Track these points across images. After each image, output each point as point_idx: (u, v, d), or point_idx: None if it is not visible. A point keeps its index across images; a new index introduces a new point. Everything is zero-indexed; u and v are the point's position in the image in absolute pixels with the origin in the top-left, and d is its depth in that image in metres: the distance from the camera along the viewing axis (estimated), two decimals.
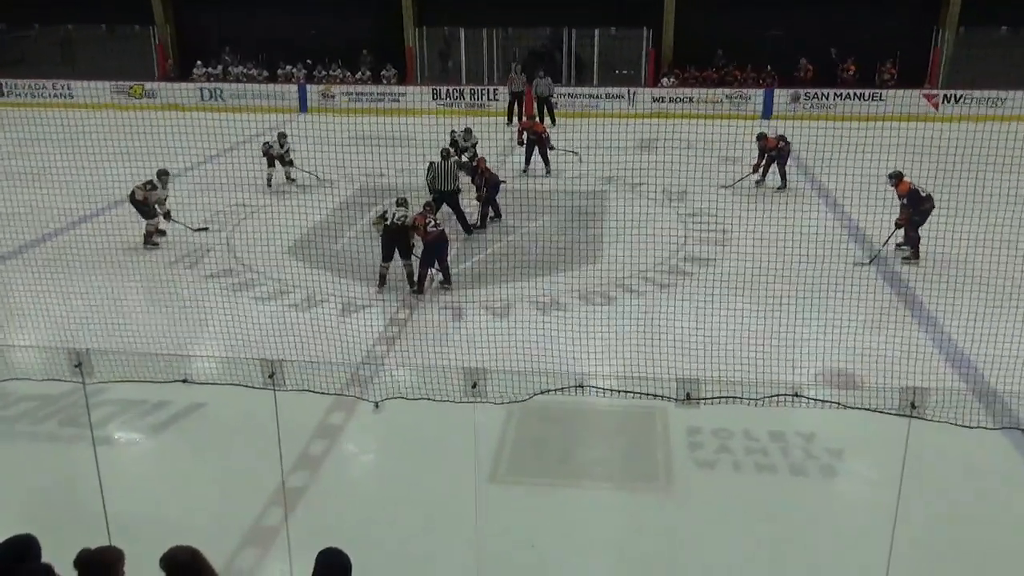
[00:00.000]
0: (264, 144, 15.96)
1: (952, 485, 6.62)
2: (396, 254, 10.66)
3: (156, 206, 12.41)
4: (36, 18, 27.61)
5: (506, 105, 23.28)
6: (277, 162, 15.93)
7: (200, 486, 6.85)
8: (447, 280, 10.88)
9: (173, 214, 12.61)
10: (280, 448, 5.45)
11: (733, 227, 12.77)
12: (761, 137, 15.72)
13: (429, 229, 10.48)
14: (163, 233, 12.75)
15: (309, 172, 15.61)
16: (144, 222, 12.41)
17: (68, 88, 25.25)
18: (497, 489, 6.72)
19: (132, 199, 12.32)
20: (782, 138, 15.54)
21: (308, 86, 25.49)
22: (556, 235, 12.73)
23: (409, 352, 9.02)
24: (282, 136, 15.98)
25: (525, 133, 17.05)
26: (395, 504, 6.58)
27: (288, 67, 26.69)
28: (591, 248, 12.15)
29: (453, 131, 15.86)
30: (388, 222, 10.60)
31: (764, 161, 15.73)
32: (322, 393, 6.56)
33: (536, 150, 16.67)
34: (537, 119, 20.21)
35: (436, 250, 10.64)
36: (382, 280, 10.79)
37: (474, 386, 5.59)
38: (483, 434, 7.12)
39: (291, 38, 26.17)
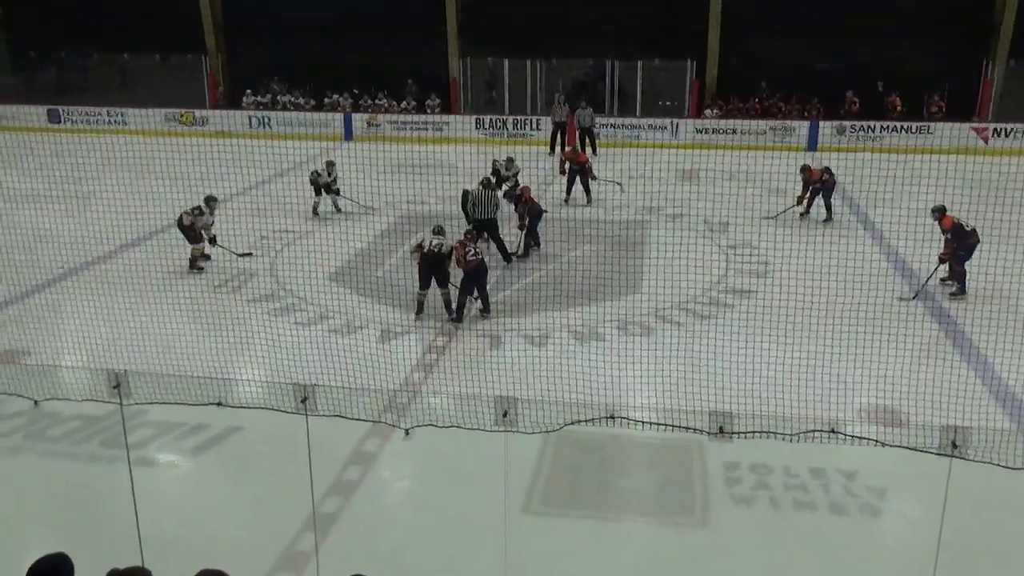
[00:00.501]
0: (312, 173, 16.17)
1: (995, 528, 6.42)
2: (433, 282, 10.70)
3: (202, 231, 12.64)
4: (95, 48, 28.51)
5: (548, 135, 23.42)
6: (323, 191, 16.12)
7: (234, 509, 6.89)
8: (486, 308, 10.89)
9: (219, 239, 12.83)
10: (311, 473, 5.46)
11: (775, 259, 12.61)
12: (805, 169, 15.57)
13: (469, 258, 10.52)
14: (208, 258, 12.97)
15: (355, 200, 15.76)
16: (190, 247, 12.64)
17: (122, 115, 25.94)
18: (530, 520, 6.66)
19: (180, 224, 12.57)
20: (827, 170, 15.39)
21: (354, 115, 25.87)
22: (596, 264, 12.68)
23: (445, 379, 9.02)
24: (330, 164, 16.20)
25: (567, 163, 17.10)
26: (427, 533, 6.56)
27: (334, 96, 27.14)
28: (631, 278, 12.08)
29: (495, 160, 15.92)
30: (425, 250, 10.66)
31: (808, 193, 15.58)
32: (353, 419, 6.57)
33: (578, 180, 16.68)
34: (579, 149, 20.28)
35: (475, 278, 10.67)
36: (419, 308, 10.83)
37: (504, 415, 5.56)
38: (517, 464, 7.09)
39: (338, 68, 26.61)
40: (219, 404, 7.21)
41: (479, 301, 10.91)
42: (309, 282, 11.52)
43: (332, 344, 9.74)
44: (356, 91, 27.08)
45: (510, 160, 15.91)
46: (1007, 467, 5.70)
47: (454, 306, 10.72)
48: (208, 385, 7.60)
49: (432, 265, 10.64)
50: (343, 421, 7.19)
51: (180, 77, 27.58)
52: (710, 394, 7.57)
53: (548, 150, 22.83)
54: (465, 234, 11.10)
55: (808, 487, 6.95)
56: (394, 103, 26.69)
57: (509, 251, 13.03)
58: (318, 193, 16.14)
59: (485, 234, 12.58)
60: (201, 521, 6.73)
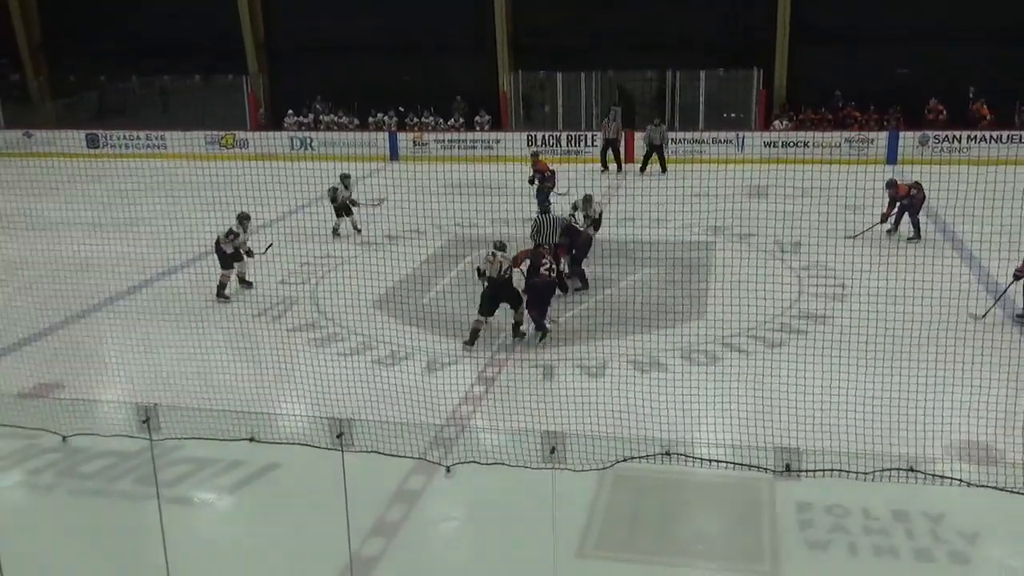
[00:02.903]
0: (330, 190, 16.46)
1: None
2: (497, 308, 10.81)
3: (242, 251, 12.92)
4: (135, 70, 29.47)
5: (599, 151, 23.50)
6: (344, 212, 16.52)
7: (270, 552, 6.94)
8: (541, 330, 10.91)
9: (255, 249, 13.12)
10: (347, 513, 5.48)
11: (852, 281, 12.37)
12: (891, 184, 15.32)
13: (543, 271, 10.78)
14: (250, 285, 13.20)
15: (374, 203, 15.91)
16: (220, 272, 12.87)
17: (162, 138, 26.72)
18: (584, 564, 6.58)
19: (217, 248, 12.85)
20: (916, 185, 15.10)
21: (399, 134, 26.24)
22: (658, 289, 12.59)
23: (494, 413, 9.00)
24: (345, 177, 16.58)
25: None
26: None
27: (379, 115, 27.56)
28: (696, 303, 11.96)
29: (576, 203, 14.36)
30: (493, 275, 10.62)
31: (896, 210, 15.32)
32: (391, 455, 6.59)
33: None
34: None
35: (544, 294, 10.89)
36: (474, 337, 10.74)
37: (552, 451, 5.51)
38: (571, 504, 7.02)
39: (383, 86, 27.05)
40: (251, 439, 7.31)
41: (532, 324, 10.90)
42: (352, 310, 11.64)
43: (375, 375, 9.81)
44: (402, 109, 27.48)
45: (588, 199, 14.22)
46: None
47: (532, 326, 10.87)
48: (242, 419, 7.70)
49: (500, 289, 10.63)
50: (387, 458, 7.22)
51: (221, 98, 28.31)
52: (778, 428, 7.42)
53: (600, 167, 22.89)
54: (539, 246, 11.45)
55: (890, 531, 6.75)
56: (441, 120, 27.01)
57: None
58: (338, 215, 16.52)
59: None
60: (235, 564, 6.79)
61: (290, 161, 22.33)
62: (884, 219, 15.39)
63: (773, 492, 7.26)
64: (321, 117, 27.96)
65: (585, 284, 12.95)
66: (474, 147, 25.42)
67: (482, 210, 14.75)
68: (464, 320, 10.94)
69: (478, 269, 10.94)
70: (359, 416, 7.89)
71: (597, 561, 6.69)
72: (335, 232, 16.53)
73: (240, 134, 26.93)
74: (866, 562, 6.49)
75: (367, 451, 6.56)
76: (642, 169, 22.71)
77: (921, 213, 15.36)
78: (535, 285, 10.80)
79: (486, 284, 10.72)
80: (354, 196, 16.71)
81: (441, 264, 14.23)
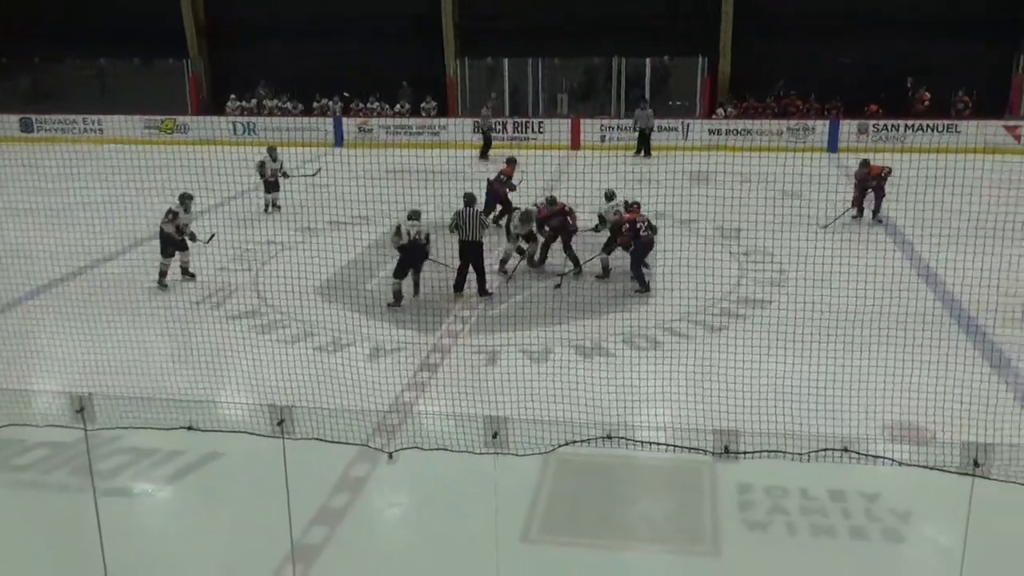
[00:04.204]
0: (259, 164, 16.60)
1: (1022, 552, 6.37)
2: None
3: (184, 234, 12.60)
4: (69, 51, 28.68)
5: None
6: (272, 187, 16.72)
7: (211, 542, 6.86)
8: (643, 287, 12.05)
9: (198, 236, 12.87)
10: (289, 501, 5.43)
11: (792, 266, 12.57)
12: (864, 164, 15.58)
13: (642, 233, 12.00)
14: (192, 277, 12.90)
15: (305, 175, 15.97)
16: (160, 260, 12.60)
17: (99, 123, 26.08)
18: (529, 548, 6.62)
19: (162, 233, 12.58)
20: (887, 172, 15.34)
21: (344, 119, 25.97)
22: (594, 275, 12.69)
23: (438, 399, 8.99)
24: (272, 149, 16.82)
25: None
26: (418, 564, 6.52)
27: (324, 100, 27.25)
28: (636, 288, 12.07)
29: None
30: (405, 241, 11.44)
31: (863, 192, 15.62)
32: (332, 442, 6.54)
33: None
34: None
35: (640, 254, 12.06)
36: (397, 297, 11.67)
37: (494, 436, 5.52)
38: (515, 489, 7.05)
39: (327, 71, 26.74)
40: (189, 428, 7.19)
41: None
42: (295, 297, 11.51)
43: (318, 363, 9.73)
44: (347, 94, 27.19)
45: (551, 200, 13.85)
46: None
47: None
48: (180, 408, 7.58)
49: (413, 254, 11.62)
50: (330, 445, 7.16)
51: (161, 82, 27.74)
52: (719, 412, 7.53)
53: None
54: (631, 205, 12.60)
55: (827, 511, 6.90)
56: (387, 106, 26.79)
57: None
58: (268, 190, 16.77)
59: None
60: (174, 555, 6.70)
61: (232, 146, 21.96)
62: (855, 204, 15.56)
63: (714, 474, 7.37)
64: (264, 102, 27.57)
65: (643, 286, 12.34)
66: (420, 133, 25.29)
67: (428, 196, 14.70)
68: (410, 306, 10.89)
69: (395, 232, 11.81)
70: (301, 403, 7.84)
71: (541, 545, 6.72)
72: (266, 209, 16.75)
73: (180, 119, 26.44)
74: (804, 541, 6.62)
75: (309, 438, 6.50)
76: (636, 153, 22.86)
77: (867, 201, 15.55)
78: (637, 246, 12.05)
79: (400, 249, 11.65)
80: (285, 168, 16.81)
81: (386, 250, 14.12)
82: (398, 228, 11.71)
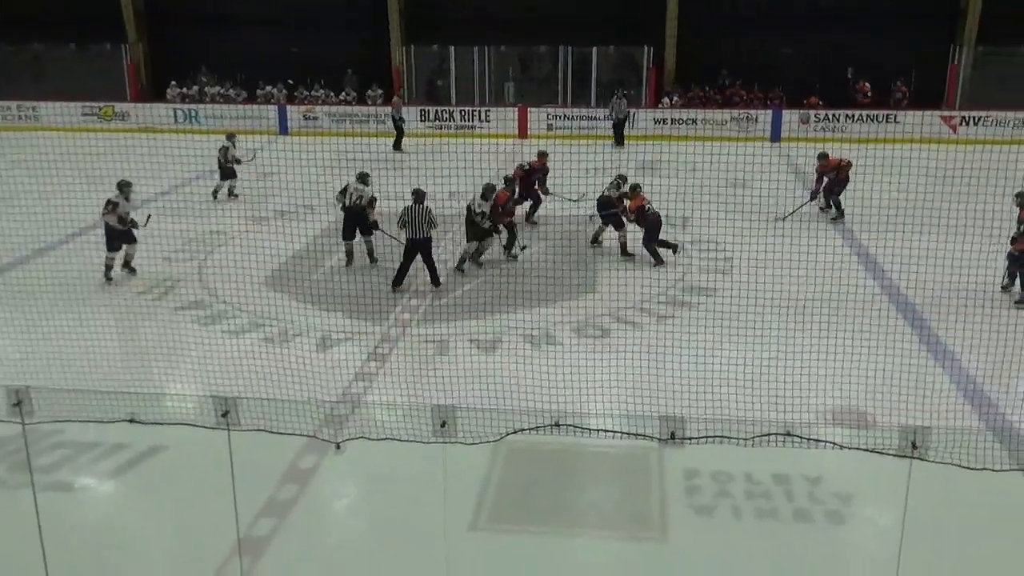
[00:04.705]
0: (222, 149, 16.69)
1: (960, 532, 6.56)
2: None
3: (127, 222, 12.24)
4: (2, 37, 27.84)
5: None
6: (229, 174, 16.81)
7: (156, 537, 6.77)
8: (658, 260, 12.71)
9: (138, 221, 12.55)
10: (235, 493, 5.39)
11: (738, 255, 12.77)
12: (822, 156, 15.58)
13: (648, 212, 12.80)
14: (134, 272, 12.59)
15: (248, 158, 16.36)
16: (105, 254, 12.30)
17: (34, 110, 25.41)
18: (478, 537, 6.65)
19: (106, 226, 12.25)
20: (847, 164, 15.28)
21: (288, 107, 25.65)
22: (551, 264, 12.74)
23: (388, 389, 8.96)
24: (231, 136, 16.92)
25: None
26: (367, 554, 6.51)
27: (268, 88, 26.89)
28: (588, 277, 12.16)
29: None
30: (347, 204, 12.07)
31: (823, 185, 15.51)
32: (277, 433, 6.50)
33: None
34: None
35: (653, 230, 12.83)
36: (349, 256, 12.69)
37: (443, 425, 5.53)
38: (464, 478, 7.08)
39: (271, 57, 26.39)
40: (131, 421, 7.06)
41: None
42: (241, 287, 11.37)
43: (265, 354, 9.62)
44: (291, 82, 26.87)
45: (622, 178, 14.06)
46: (965, 467, 5.84)
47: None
48: (122, 401, 7.42)
49: (355, 217, 12.36)
50: (278, 437, 7.10)
51: (98, 68, 27.08)
52: (666, 399, 7.63)
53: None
54: (634, 187, 13.04)
55: (771, 494, 7.03)
56: (332, 94, 26.52)
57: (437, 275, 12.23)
58: (223, 176, 16.82)
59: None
60: (118, 551, 6.59)
61: (174, 134, 21.64)
62: (814, 196, 15.53)
63: (661, 460, 7.47)
64: (206, 89, 27.09)
65: (658, 259, 13.03)
66: (366, 121, 25.08)
67: (375, 184, 14.61)
68: (360, 296, 10.82)
69: (340, 191, 12.55)
70: (248, 395, 7.75)
71: (490, 533, 6.76)
72: (215, 195, 16.80)
73: (120, 106, 25.87)
74: (749, 524, 6.75)
75: (255, 430, 6.43)
76: (616, 144, 22.89)
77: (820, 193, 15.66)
78: (649, 224, 12.87)
79: (343, 210, 12.44)
80: (240, 155, 16.84)
81: (333, 240, 14.01)
82: (345, 187, 12.21)
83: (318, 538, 6.78)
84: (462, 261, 12.79)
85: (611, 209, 13.40)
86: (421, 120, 24.77)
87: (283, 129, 25.02)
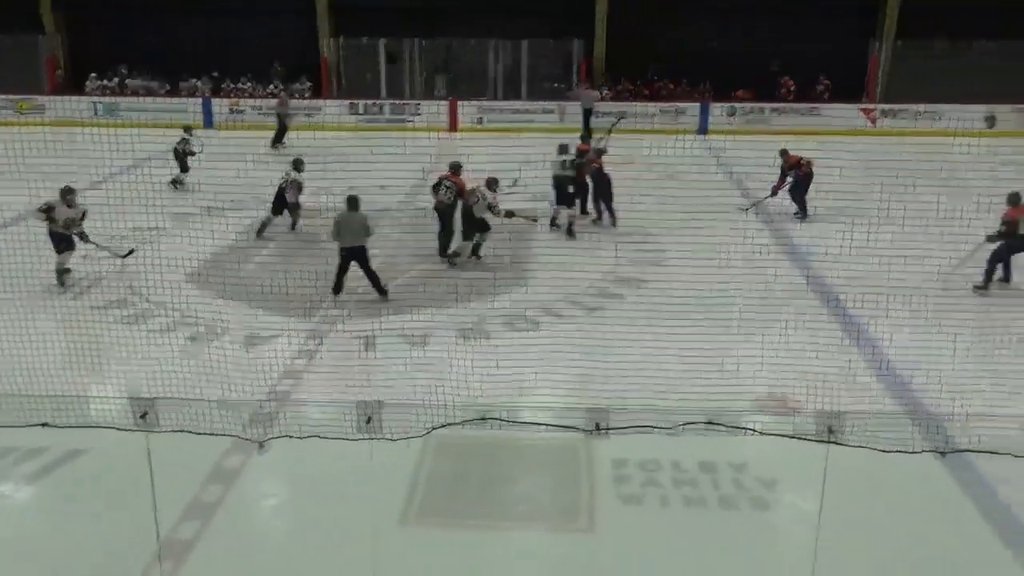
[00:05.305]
0: (181, 141, 16.86)
1: (875, 513, 6.73)
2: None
3: (72, 230, 11.75)
4: None
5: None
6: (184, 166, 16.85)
7: (75, 544, 6.57)
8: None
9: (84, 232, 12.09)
10: (154, 496, 5.27)
11: (668, 247, 12.91)
12: (783, 153, 15.36)
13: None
14: (67, 271, 12.12)
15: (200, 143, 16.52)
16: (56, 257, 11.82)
17: None
18: (408, 532, 6.61)
19: (50, 230, 11.76)
20: (807, 162, 15.03)
21: (213, 100, 25.14)
22: (483, 257, 12.74)
23: (316, 386, 8.85)
24: (188, 129, 17.09)
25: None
26: (295, 555, 6.41)
27: (192, 80, 26.31)
28: (520, 271, 12.17)
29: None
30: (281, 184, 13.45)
31: (786, 182, 15.32)
32: (202, 434, 6.38)
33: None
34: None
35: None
36: (262, 227, 13.74)
37: (368, 421, 5.48)
38: (393, 473, 7.03)
39: (195, 49, 25.81)
40: (44, 425, 6.83)
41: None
42: (165, 285, 11.10)
43: (190, 352, 9.42)
44: (216, 74, 26.33)
45: (563, 147, 14.67)
46: (879, 450, 6.00)
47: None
48: (37, 404, 7.21)
49: (280, 197, 13.63)
50: (202, 438, 6.98)
51: (12, 59, 26.15)
52: (594, 390, 7.69)
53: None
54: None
55: (698, 482, 7.13)
56: (259, 87, 26.07)
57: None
58: (182, 168, 16.83)
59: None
60: (35, 559, 6.38)
61: (94, 128, 20.98)
62: (775, 192, 15.37)
63: (590, 451, 7.52)
64: (127, 81, 26.38)
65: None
66: (294, 115, 24.69)
67: (302, 179, 14.40)
68: (286, 291, 10.64)
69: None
70: (172, 395, 7.58)
71: (420, 528, 6.72)
72: (175, 184, 16.82)
73: (36, 98, 25.04)
74: (676, 512, 6.84)
75: (176, 431, 6.30)
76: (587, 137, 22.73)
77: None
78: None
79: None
80: (195, 148, 16.88)
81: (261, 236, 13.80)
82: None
83: (244, 540, 6.67)
84: (455, 255, 12.77)
85: (569, 184, 14.02)
86: (351, 113, 24.49)
87: (208, 122, 24.50)
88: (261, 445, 7.18)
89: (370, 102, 25.09)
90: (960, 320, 9.54)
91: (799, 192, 15.20)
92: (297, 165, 13.70)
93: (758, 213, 15.01)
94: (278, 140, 21.75)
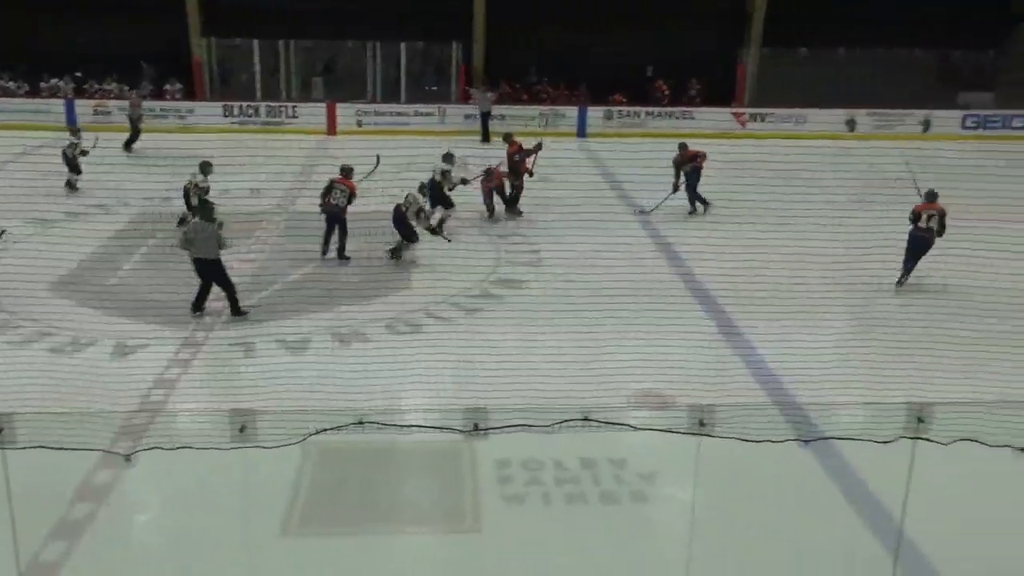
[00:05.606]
0: (70, 145, 16.21)
1: (745, 501, 6.99)
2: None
3: None
4: None
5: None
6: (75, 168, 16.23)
7: None
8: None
9: None
10: (12, 517, 5.01)
11: (547, 248, 13.11)
12: (681, 147, 15.68)
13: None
14: None
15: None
16: None
17: None
18: (289, 542, 6.49)
19: None
20: (703, 155, 15.43)
21: (77, 101, 24.06)
22: (362, 261, 12.62)
23: (191, 396, 8.60)
24: (76, 132, 16.63)
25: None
26: (170, 571, 6.22)
27: (54, 80, 25.10)
28: (399, 274, 12.11)
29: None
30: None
31: (682, 178, 15.52)
32: (66, 449, 6.10)
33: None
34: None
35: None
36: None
37: (242, 430, 5.36)
38: (274, 482, 6.90)
39: (57, 47, 24.59)
40: None
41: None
42: (27, 294, 10.57)
43: (53, 365, 8.99)
44: (80, 74, 25.19)
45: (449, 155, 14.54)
46: (747, 440, 6.27)
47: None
48: None
49: (186, 194, 13.21)
50: (68, 453, 6.66)
51: None
52: (474, 391, 7.73)
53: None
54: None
55: (580, 479, 7.25)
56: (126, 88, 25.06)
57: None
58: (74, 171, 16.21)
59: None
60: None
61: None
62: (676, 188, 15.54)
63: (472, 452, 7.55)
64: None
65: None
66: (165, 117, 23.91)
67: (174, 184, 13.97)
68: (157, 299, 10.30)
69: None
70: (33, 409, 7.22)
71: (302, 538, 6.61)
72: (69, 187, 16.24)
73: None
74: (559, 510, 6.94)
75: (32, 447, 5.99)
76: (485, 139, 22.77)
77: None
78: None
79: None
80: (86, 147, 16.22)
81: (129, 241, 13.29)
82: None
83: (115, 558, 6.41)
84: (396, 252, 12.74)
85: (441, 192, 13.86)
86: (225, 116, 23.86)
87: (71, 124, 23.39)
88: (128, 458, 6.91)
89: (245, 104, 24.48)
90: (825, 314, 10.05)
91: (693, 186, 15.60)
92: (204, 168, 13.25)
93: (651, 212, 15.38)
94: (130, 143, 20.97)
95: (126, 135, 20.95)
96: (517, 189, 15.47)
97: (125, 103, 23.16)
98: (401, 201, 12.54)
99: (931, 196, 11.70)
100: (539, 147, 15.31)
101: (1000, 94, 27.32)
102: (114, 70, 25.12)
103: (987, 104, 26.71)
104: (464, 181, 14.32)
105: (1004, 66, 27.40)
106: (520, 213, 15.44)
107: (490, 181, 15.10)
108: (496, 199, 15.31)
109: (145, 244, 13.13)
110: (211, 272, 10.43)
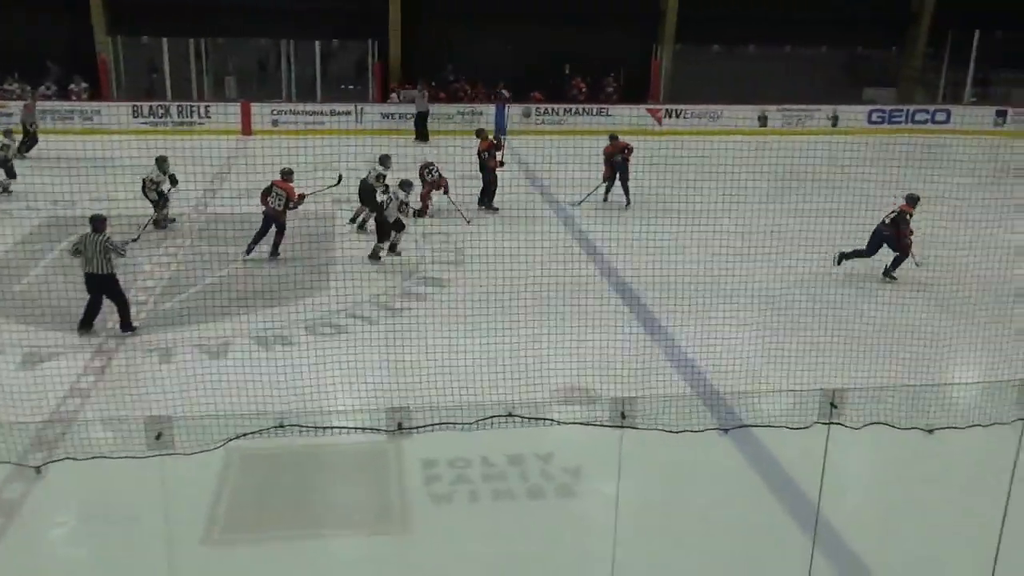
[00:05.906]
0: (3, 147, 16.12)
1: (667, 490, 7.15)
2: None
3: None
4: None
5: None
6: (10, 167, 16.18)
7: None
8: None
9: None
10: None
11: (469, 246, 13.09)
12: (612, 138, 16.00)
13: None
14: None
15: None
16: None
17: None
18: (212, 551, 6.36)
19: None
20: (630, 148, 15.64)
21: None
22: (284, 262, 12.44)
23: (106, 404, 8.34)
24: (8, 133, 16.43)
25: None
26: None
27: None
28: (321, 275, 11.96)
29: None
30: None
31: (611, 168, 15.81)
32: None
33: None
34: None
35: None
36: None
37: (158, 437, 5.24)
38: (193, 490, 6.76)
39: None
40: None
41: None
42: None
43: None
44: None
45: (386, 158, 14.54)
46: (668, 431, 6.40)
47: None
48: None
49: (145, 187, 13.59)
50: None
51: None
52: (397, 391, 7.70)
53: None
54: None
55: (507, 475, 7.29)
56: (29, 87, 24.18)
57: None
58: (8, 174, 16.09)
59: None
60: None
61: None
62: (606, 179, 15.91)
63: (399, 453, 7.52)
64: None
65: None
66: (70, 117, 23.14)
67: (81, 187, 13.51)
68: (67, 307, 9.96)
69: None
70: None
71: (226, 547, 6.49)
72: (4, 191, 16.01)
73: None
74: (486, 507, 6.96)
75: None
76: (416, 138, 22.64)
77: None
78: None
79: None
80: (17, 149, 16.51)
81: (36, 247, 12.84)
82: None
83: (30, 573, 6.19)
84: (376, 255, 12.68)
85: (372, 195, 13.82)
86: (134, 116, 23.23)
87: None
88: (38, 470, 6.68)
89: (155, 104, 23.85)
90: (743, 305, 10.30)
91: (625, 178, 15.85)
92: (160, 164, 13.78)
93: (579, 204, 15.53)
94: (27, 148, 20.19)
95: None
96: (491, 184, 15.67)
97: (30, 103, 22.34)
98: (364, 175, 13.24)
99: (911, 199, 12.08)
100: (501, 143, 15.86)
101: (902, 89, 28.45)
102: (15, 69, 24.20)
103: (890, 99, 27.77)
104: (418, 213, 14.67)
105: (906, 63, 28.52)
106: (496, 209, 15.62)
107: (436, 186, 15.22)
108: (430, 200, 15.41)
109: (53, 250, 12.70)
110: (101, 287, 10.01)
